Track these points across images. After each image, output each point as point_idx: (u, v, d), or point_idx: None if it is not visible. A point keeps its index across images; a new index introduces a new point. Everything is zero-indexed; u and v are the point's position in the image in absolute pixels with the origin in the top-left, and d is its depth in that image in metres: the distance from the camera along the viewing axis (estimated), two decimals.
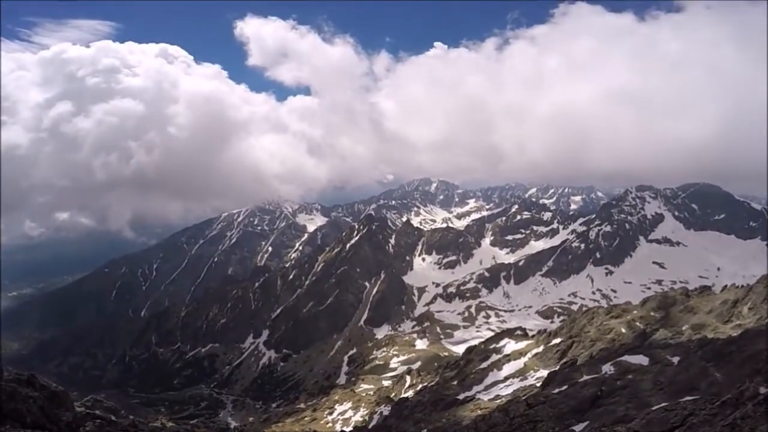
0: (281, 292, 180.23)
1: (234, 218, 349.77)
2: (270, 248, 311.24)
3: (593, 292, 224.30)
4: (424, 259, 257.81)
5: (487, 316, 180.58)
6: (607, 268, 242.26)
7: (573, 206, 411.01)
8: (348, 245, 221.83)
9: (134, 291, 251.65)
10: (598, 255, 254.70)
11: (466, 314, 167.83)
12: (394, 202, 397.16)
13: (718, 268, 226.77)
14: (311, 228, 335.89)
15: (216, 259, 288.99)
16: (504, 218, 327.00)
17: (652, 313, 61.23)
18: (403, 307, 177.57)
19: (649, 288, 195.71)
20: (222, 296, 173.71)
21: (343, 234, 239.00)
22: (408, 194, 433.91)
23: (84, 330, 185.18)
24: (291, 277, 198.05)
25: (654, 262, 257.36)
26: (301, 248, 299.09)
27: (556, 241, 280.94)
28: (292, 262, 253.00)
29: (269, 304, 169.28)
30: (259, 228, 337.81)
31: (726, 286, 70.78)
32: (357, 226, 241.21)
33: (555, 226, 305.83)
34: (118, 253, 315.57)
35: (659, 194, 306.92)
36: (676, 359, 36.46)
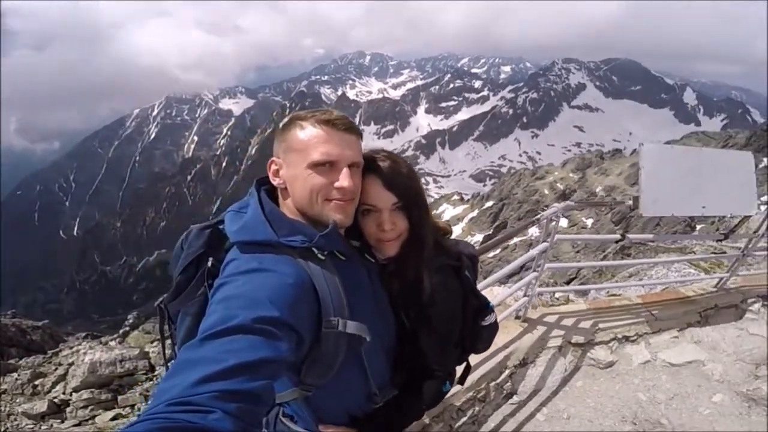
0: (217, 180, 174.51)
1: (148, 113, 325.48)
2: (195, 137, 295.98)
3: (520, 155, 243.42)
4: (363, 130, 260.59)
5: (426, 183, 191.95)
6: (533, 132, 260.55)
7: (503, 75, 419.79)
8: (281, 124, 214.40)
9: (57, 209, 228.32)
10: (525, 120, 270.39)
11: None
12: (327, 77, 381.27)
13: (630, 133, 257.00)
14: (238, 111, 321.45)
15: (138, 158, 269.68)
16: (437, 87, 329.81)
17: (571, 175, 68.06)
18: None
19: (569, 150, 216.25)
20: (155, 197, 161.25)
21: (274, 113, 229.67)
22: (341, 68, 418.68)
23: (22, 264, 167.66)
24: (225, 163, 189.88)
25: (575, 126, 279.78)
26: (230, 133, 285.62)
27: (487, 107, 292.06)
28: (223, 148, 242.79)
29: (207, 195, 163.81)
30: (178, 119, 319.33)
31: (635, 149, 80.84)
32: (289, 104, 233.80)
33: (485, 93, 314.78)
34: (25, 171, 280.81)
35: (583, 66, 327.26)
36: (590, 221, 43.31)
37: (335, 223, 1.10)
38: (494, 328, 1.56)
